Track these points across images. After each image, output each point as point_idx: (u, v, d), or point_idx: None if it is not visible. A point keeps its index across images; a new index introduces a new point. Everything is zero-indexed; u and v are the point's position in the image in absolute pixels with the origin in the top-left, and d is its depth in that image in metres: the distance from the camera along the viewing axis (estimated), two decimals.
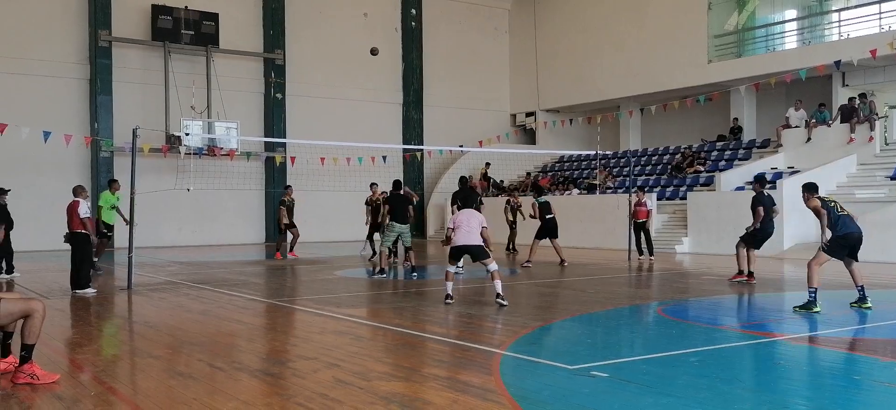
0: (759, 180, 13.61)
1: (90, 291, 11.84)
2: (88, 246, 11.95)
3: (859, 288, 9.69)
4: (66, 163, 23.40)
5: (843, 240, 9.63)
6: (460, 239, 10.20)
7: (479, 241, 10.21)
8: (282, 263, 18.11)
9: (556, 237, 16.84)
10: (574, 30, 29.61)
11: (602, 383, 5.98)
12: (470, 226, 10.25)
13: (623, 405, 5.39)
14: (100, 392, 5.88)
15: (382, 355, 7.32)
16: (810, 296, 9.43)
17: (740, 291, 11.88)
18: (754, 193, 13.27)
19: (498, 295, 9.94)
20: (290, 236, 19.55)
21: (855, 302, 9.72)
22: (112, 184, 16.03)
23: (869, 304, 9.62)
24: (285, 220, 19.28)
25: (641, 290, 12.83)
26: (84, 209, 11.80)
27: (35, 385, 5.92)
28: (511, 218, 21.06)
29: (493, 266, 10.07)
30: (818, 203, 9.75)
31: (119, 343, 8.17)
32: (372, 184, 18.94)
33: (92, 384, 6.15)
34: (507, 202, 21.55)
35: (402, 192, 15.10)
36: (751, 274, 12.88)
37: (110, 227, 15.96)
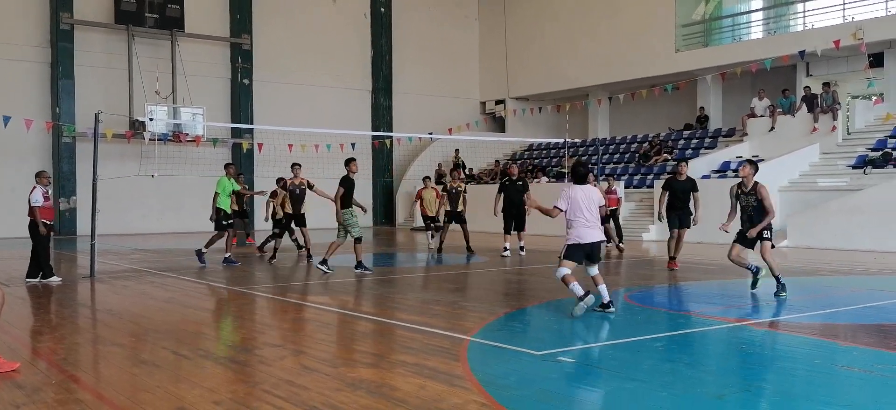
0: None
1: (55, 279, 11.60)
2: (37, 234, 11.52)
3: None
4: (27, 148, 22.94)
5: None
6: (581, 234, 7.87)
7: (603, 237, 8.14)
8: (247, 250, 17.95)
9: None
10: (544, 18, 29.66)
11: (568, 368, 6.03)
12: (592, 212, 7.89)
13: (589, 389, 5.44)
14: (61, 380, 5.78)
15: (350, 342, 7.29)
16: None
17: (703, 278, 12.05)
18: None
19: (606, 305, 8.27)
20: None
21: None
22: (228, 168, 14.74)
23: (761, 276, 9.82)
24: (234, 207, 19.77)
25: (609, 277, 12.83)
26: (36, 196, 11.43)
27: None
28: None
29: (593, 270, 8.35)
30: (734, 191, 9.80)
31: (81, 331, 8.03)
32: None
33: (53, 372, 6.04)
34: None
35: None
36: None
37: (228, 216, 14.38)
